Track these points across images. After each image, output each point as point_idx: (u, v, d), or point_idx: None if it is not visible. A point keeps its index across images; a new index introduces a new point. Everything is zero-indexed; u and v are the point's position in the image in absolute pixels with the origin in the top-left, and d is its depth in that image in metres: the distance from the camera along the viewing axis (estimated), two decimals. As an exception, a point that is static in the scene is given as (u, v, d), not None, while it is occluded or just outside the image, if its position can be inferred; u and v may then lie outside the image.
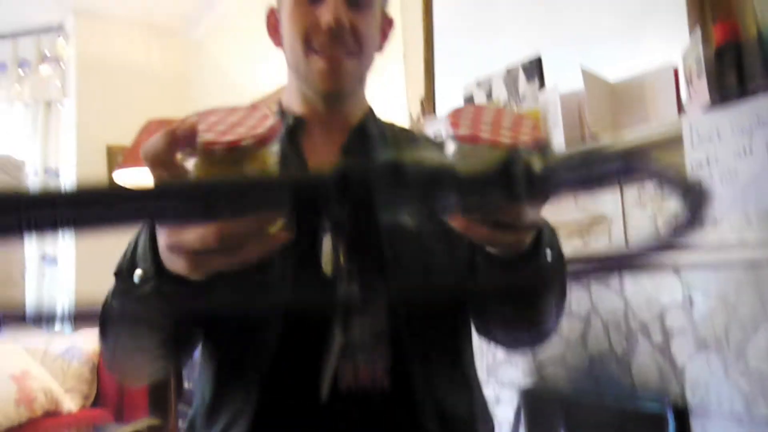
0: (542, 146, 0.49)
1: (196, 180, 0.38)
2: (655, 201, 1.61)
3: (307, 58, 0.86)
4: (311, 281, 0.79)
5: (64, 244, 4.42)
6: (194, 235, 0.46)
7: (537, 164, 0.27)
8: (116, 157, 4.17)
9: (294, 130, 0.90)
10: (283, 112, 0.94)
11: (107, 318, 0.71)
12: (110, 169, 4.14)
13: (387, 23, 0.97)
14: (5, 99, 4.45)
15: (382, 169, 0.28)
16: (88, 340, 3.27)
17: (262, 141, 0.46)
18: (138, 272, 0.59)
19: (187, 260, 0.49)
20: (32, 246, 4.23)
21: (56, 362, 3.19)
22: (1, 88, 4.44)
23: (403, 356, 0.79)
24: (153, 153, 0.46)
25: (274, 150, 0.48)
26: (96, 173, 4.26)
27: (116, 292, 0.67)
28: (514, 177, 0.28)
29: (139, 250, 0.60)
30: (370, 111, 0.97)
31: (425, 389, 0.79)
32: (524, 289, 0.69)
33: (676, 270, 1.59)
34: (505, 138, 0.47)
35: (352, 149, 0.91)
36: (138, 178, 3.03)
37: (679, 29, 1.60)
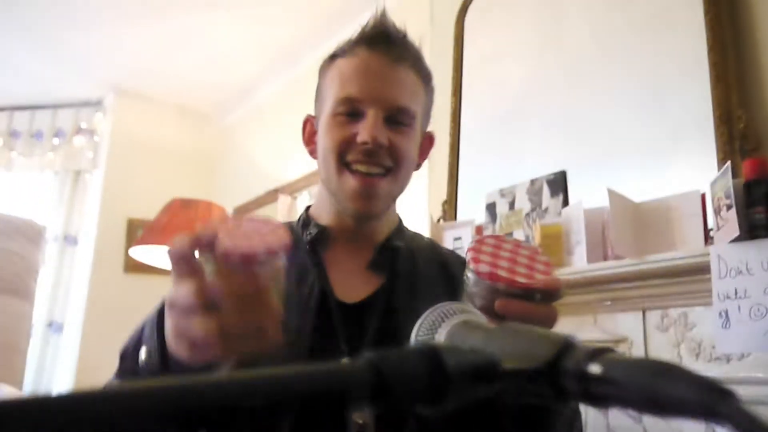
0: (554, 290, 0.55)
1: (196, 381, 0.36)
2: (679, 326, 1.56)
3: (341, 176, 0.84)
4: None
5: (72, 311, 4.39)
6: (198, 324, 0.51)
7: (595, 367, 0.25)
8: (136, 230, 4.21)
9: (317, 241, 0.89)
10: (308, 221, 0.92)
11: None
12: (129, 242, 4.16)
13: (427, 140, 0.95)
14: (37, 166, 4.57)
15: (420, 363, 0.26)
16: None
17: (274, 253, 0.52)
18: (143, 351, 0.61)
19: (190, 346, 0.53)
20: (40, 312, 4.21)
21: (47, 437, 3.08)
22: (34, 155, 4.57)
23: None
24: (177, 253, 0.53)
25: (282, 263, 0.55)
26: (113, 245, 4.29)
27: (120, 374, 0.67)
28: (564, 376, 0.26)
29: (146, 330, 0.63)
30: (399, 225, 0.96)
31: None
32: None
33: (700, 402, 1.51)
34: (521, 277, 0.52)
35: (378, 267, 0.88)
36: (154, 255, 3.03)
37: (706, 155, 1.61)
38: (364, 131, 0.82)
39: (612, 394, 0.25)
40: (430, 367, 0.26)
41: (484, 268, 0.53)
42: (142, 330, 0.66)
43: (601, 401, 0.26)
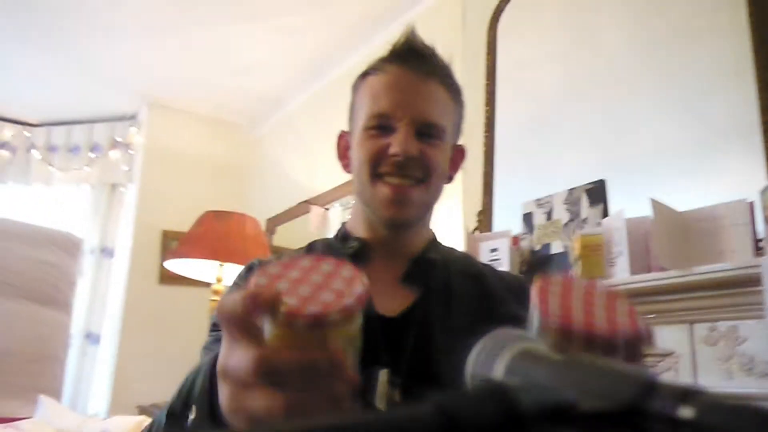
0: (642, 339, 0.45)
1: None
2: (729, 341, 1.50)
3: (373, 185, 0.86)
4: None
5: (108, 322, 4.46)
6: (260, 401, 0.42)
7: (687, 411, 0.22)
8: (170, 242, 4.26)
9: (358, 255, 0.89)
10: (347, 235, 0.93)
11: None
12: (163, 254, 4.21)
13: (458, 153, 0.96)
14: (74, 179, 4.66)
15: (492, 405, 0.23)
16: (122, 426, 3.20)
17: (350, 313, 0.43)
18: (193, 413, 0.55)
19: (250, 422, 0.45)
20: (78, 323, 4.27)
21: (85, 448, 3.11)
22: (71, 169, 4.66)
23: None
24: (230, 314, 0.44)
25: (359, 321, 0.45)
26: (149, 256, 4.34)
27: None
28: (649, 419, 0.23)
29: (196, 388, 0.57)
30: (433, 239, 0.96)
31: None
32: None
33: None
34: (601, 324, 0.42)
35: (413, 279, 0.89)
36: (189, 267, 3.05)
37: (752, 162, 1.56)
38: (395, 144, 0.83)
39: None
40: (503, 409, 0.23)
41: (554, 309, 0.43)
42: (191, 386, 0.59)
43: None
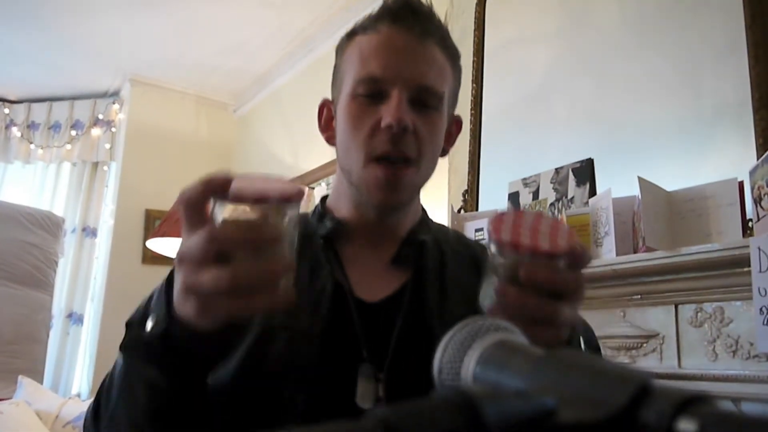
0: (579, 253, 0.52)
1: None
2: (714, 322, 1.48)
3: (365, 167, 0.77)
4: (340, 409, 0.69)
5: (91, 303, 4.40)
6: (209, 275, 0.49)
7: (687, 424, 0.19)
8: (153, 221, 4.19)
9: (333, 236, 0.81)
10: (324, 214, 0.86)
11: (102, 401, 0.65)
12: (146, 234, 4.15)
13: (455, 125, 0.89)
14: (55, 157, 4.56)
15: (450, 420, 0.19)
16: (102, 408, 3.17)
17: (287, 199, 0.51)
18: (150, 319, 0.59)
19: (199, 302, 0.51)
20: (59, 304, 4.22)
21: (66, 429, 3.08)
22: (52, 146, 4.56)
23: None
24: (188, 197, 0.52)
25: (295, 213, 0.53)
26: (131, 236, 4.28)
27: (124, 344, 0.62)
28: (643, 430, 0.19)
29: (154, 298, 0.62)
30: (423, 216, 0.88)
31: None
32: None
33: (736, 401, 1.44)
34: (545, 243, 0.51)
35: (403, 261, 0.81)
36: (171, 247, 3.00)
37: (744, 141, 1.53)
38: (387, 114, 0.74)
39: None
40: (466, 425, 0.19)
41: (505, 236, 0.51)
42: (149, 299, 0.64)
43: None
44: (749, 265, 1.31)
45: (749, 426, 0.18)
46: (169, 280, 0.57)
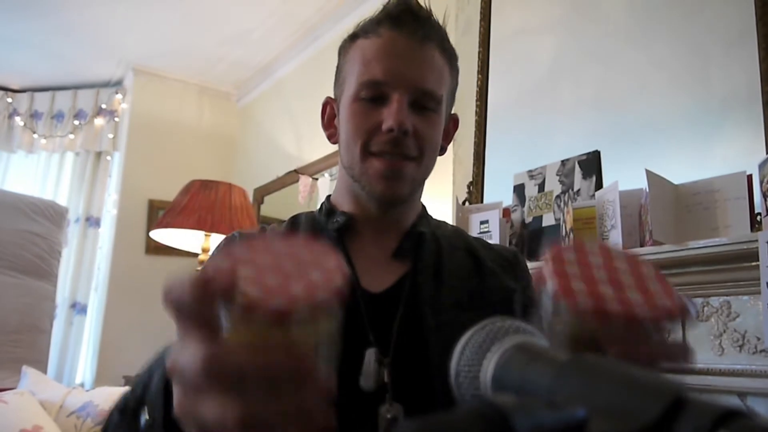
0: (686, 317, 0.39)
1: None
2: (721, 316, 1.47)
3: (364, 161, 0.81)
4: (345, 394, 0.70)
5: (94, 293, 4.41)
6: (212, 407, 0.35)
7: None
8: (157, 211, 4.19)
9: (343, 230, 0.85)
10: (332, 210, 0.89)
11: None
12: (149, 223, 4.15)
13: (452, 123, 0.92)
14: (58, 147, 4.56)
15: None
16: (107, 397, 3.17)
17: (322, 310, 0.36)
18: (145, 413, 0.51)
19: (186, 388, 0.37)
20: (63, 293, 4.22)
21: (70, 418, 3.08)
22: (55, 136, 4.55)
23: None
24: (178, 302, 0.36)
25: (335, 320, 0.37)
26: (135, 226, 4.28)
27: (115, 428, 0.56)
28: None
29: (152, 390, 0.51)
30: (423, 212, 0.92)
31: None
32: None
33: (742, 396, 1.43)
34: (640, 306, 0.35)
35: (403, 254, 0.85)
36: (175, 237, 3.00)
37: (753, 134, 1.51)
38: (389, 117, 0.78)
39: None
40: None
41: (584, 301, 0.35)
42: (147, 381, 0.53)
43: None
44: (757, 260, 1.30)
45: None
46: (167, 385, 0.47)
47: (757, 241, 1.31)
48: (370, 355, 0.74)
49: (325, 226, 0.86)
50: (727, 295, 1.46)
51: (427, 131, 0.81)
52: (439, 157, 0.89)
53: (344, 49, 0.86)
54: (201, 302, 0.35)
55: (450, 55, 0.85)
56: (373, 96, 0.80)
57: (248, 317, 0.35)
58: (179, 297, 0.35)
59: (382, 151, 0.80)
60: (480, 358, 0.29)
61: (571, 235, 1.69)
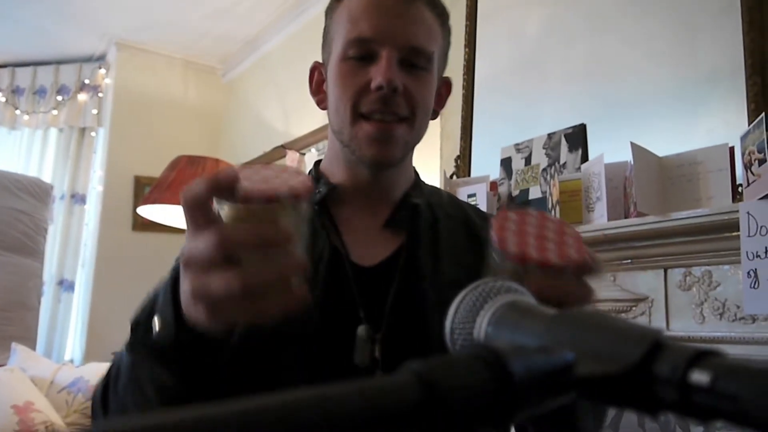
0: (590, 265, 0.50)
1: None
2: (703, 285, 1.51)
3: (354, 124, 0.78)
4: (338, 369, 0.72)
5: (82, 269, 4.40)
6: (219, 281, 0.46)
7: (700, 375, 0.20)
8: (143, 188, 4.17)
9: (327, 201, 0.83)
10: (318, 178, 0.86)
11: (111, 387, 0.65)
12: (136, 200, 4.13)
13: (445, 86, 0.89)
14: (41, 123, 4.50)
15: (481, 373, 0.20)
16: (96, 373, 3.19)
17: (297, 196, 0.49)
18: (157, 321, 0.56)
19: (209, 308, 0.48)
20: (50, 271, 4.21)
21: (61, 394, 3.11)
22: (38, 112, 4.49)
23: None
24: (192, 196, 0.47)
25: (305, 209, 0.51)
26: (121, 203, 4.26)
27: (131, 346, 0.60)
28: (657, 383, 0.20)
29: (160, 298, 0.58)
30: (416, 179, 0.90)
31: None
32: None
33: (722, 362, 1.48)
34: (553, 254, 0.48)
35: (397, 225, 0.83)
36: (161, 213, 2.99)
37: (736, 107, 1.54)
38: (378, 75, 0.74)
39: (723, 408, 0.19)
40: (495, 378, 0.20)
41: (512, 248, 0.48)
42: (155, 298, 0.60)
43: (706, 415, 0.20)
44: (738, 230, 1.33)
45: (760, 375, 0.19)
46: (174, 279, 0.55)
47: (738, 211, 1.34)
48: (362, 331, 0.73)
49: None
50: (708, 265, 1.50)
51: (419, 90, 0.78)
52: (427, 132, 0.85)
53: (331, 9, 0.83)
54: (211, 193, 0.47)
55: (440, 13, 0.82)
56: (361, 54, 0.77)
57: (245, 201, 0.47)
58: (194, 193, 0.47)
59: (372, 111, 0.76)
60: (474, 315, 0.31)
61: (558, 208, 1.72)
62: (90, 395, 3.11)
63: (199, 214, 0.47)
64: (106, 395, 0.66)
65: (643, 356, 0.21)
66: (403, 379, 0.20)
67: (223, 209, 0.49)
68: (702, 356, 0.21)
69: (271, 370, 0.72)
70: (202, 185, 0.47)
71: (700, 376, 0.20)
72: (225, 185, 0.47)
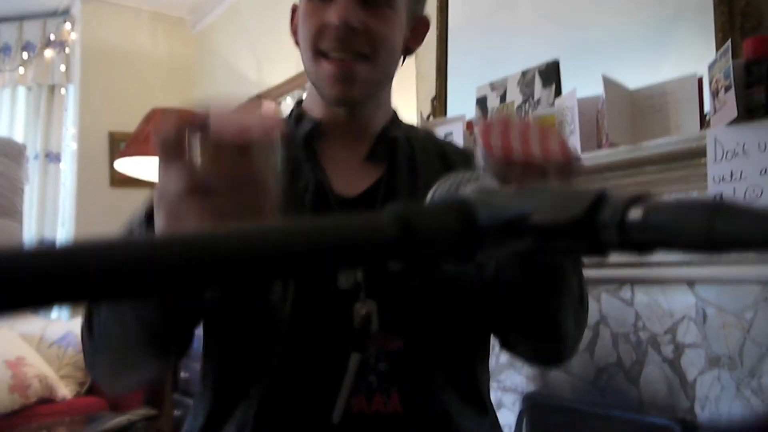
0: (571, 162, 0.53)
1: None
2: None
3: (316, 63, 0.80)
4: (323, 292, 0.75)
5: (61, 228, 4.38)
6: (192, 212, 0.47)
7: (635, 213, 0.23)
8: (118, 144, 4.12)
9: (311, 136, 0.85)
10: (302, 115, 0.88)
11: (95, 312, 0.68)
12: (111, 156, 4.09)
13: (421, 24, 0.90)
14: (9, 82, 4.40)
15: (451, 217, 0.23)
16: (85, 329, 3.23)
17: (269, 132, 0.49)
18: None
19: (169, 207, 0.49)
20: (30, 231, 4.19)
21: (51, 349, 3.15)
22: (4, 71, 4.38)
23: (419, 378, 0.75)
24: (165, 138, 0.48)
25: (279, 148, 0.51)
26: (97, 160, 4.22)
27: None
28: (601, 226, 0.24)
29: (135, 233, 0.61)
30: (395, 116, 0.92)
31: (439, 411, 0.76)
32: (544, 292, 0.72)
33: (690, 283, 1.55)
34: (537, 154, 0.50)
35: (377, 157, 0.86)
36: (139, 167, 2.98)
37: (705, 38, 1.56)
38: (333, 14, 0.76)
39: (656, 239, 0.23)
40: (462, 221, 0.24)
41: (497, 149, 0.50)
42: (129, 231, 0.62)
43: (644, 248, 0.24)
44: (705, 156, 1.38)
45: (686, 208, 0.23)
46: (149, 216, 0.56)
47: (705, 138, 1.39)
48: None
49: (294, 132, 0.85)
50: (679, 192, 1.55)
51: (380, 28, 0.78)
52: (401, 73, 0.88)
53: None
54: (184, 130, 0.48)
55: None
56: None
57: (217, 144, 0.48)
58: (166, 132, 0.48)
59: (329, 49, 0.78)
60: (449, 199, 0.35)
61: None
62: (80, 348, 3.15)
63: (170, 151, 0.49)
64: (90, 323, 0.69)
65: (589, 205, 0.25)
66: (386, 218, 0.23)
67: (196, 148, 0.49)
68: (638, 199, 0.25)
69: (257, 296, 0.75)
70: (174, 123, 0.48)
71: (634, 213, 0.24)
72: (197, 121, 0.48)
